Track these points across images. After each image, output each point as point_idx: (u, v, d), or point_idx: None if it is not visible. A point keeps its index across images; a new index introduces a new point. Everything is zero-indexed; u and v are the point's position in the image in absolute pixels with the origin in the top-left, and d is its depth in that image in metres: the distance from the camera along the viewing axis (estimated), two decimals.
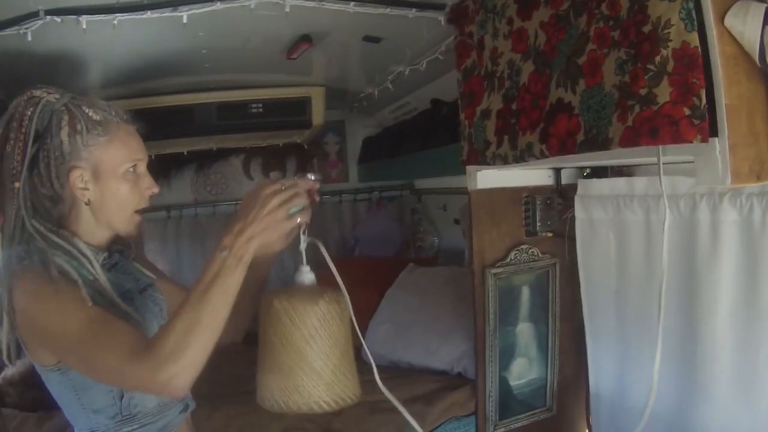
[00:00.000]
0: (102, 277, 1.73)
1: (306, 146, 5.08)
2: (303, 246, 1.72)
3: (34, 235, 1.69)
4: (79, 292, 1.62)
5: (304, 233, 1.71)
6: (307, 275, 1.75)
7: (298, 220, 1.62)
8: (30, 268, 1.65)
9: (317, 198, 1.73)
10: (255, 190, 1.62)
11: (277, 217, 1.58)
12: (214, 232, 5.02)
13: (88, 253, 1.75)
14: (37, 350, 1.70)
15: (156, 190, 1.85)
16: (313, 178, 1.70)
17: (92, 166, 1.73)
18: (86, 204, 1.76)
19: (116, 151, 1.76)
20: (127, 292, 1.84)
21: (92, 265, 1.74)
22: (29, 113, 1.68)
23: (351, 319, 1.78)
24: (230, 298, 1.56)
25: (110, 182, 1.76)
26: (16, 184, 1.67)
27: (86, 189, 1.74)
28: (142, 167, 1.83)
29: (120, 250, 1.96)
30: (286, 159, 5.20)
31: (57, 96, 1.72)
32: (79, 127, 1.71)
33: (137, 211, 1.83)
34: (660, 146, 1.55)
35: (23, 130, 1.68)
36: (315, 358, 1.66)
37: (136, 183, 1.80)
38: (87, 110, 1.73)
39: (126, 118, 1.84)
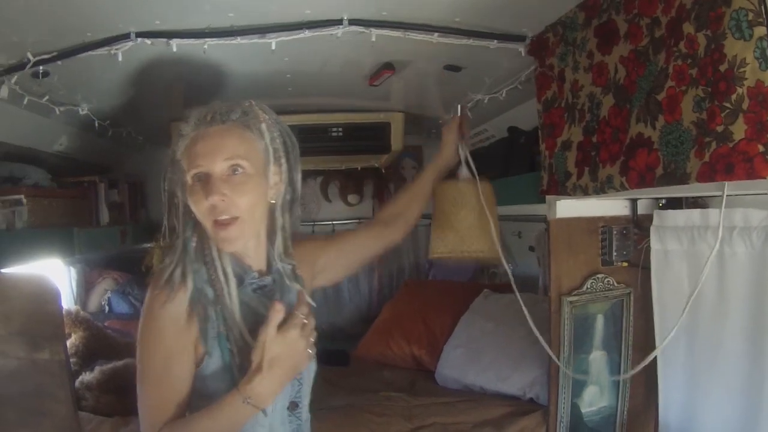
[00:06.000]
0: (236, 306, 1.67)
1: (383, 170, 5.15)
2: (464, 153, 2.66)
3: (185, 247, 1.70)
4: (185, 331, 1.62)
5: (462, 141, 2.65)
6: (465, 172, 2.64)
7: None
8: (161, 273, 1.66)
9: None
10: (279, 334, 1.59)
11: (299, 355, 1.62)
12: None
13: (228, 269, 1.71)
14: None
15: (206, 202, 1.65)
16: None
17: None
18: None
19: (184, 160, 1.69)
20: (258, 323, 1.68)
21: (229, 293, 1.68)
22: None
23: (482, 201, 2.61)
24: None
25: (187, 192, 1.69)
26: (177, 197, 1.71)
27: None
28: (209, 174, 1.66)
29: (282, 271, 1.84)
30: (363, 183, 5.29)
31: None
32: (175, 142, 1.71)
33: (217, 222, 1.66)
34: (725, 183, 1.57)
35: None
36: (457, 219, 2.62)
37: (199, 194, 1.65)
38: (182, 125, 1.71)
39: (210, 118, 1.70)
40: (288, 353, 1.59)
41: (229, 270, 1.70)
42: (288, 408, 1.79)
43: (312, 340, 1.66)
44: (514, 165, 3.59)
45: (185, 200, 1.69)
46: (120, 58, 2.42)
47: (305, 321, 1.63)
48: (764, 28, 1.47)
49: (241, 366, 1.61)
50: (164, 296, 1.61)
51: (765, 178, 1.45)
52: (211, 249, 1.70)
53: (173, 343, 1.61)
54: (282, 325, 1.59)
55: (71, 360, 3.37)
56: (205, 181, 1.65)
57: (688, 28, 1.68)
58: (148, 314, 1.62)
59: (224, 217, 1.65)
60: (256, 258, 1.80)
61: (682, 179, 1.71)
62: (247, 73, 2.94)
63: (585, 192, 2.28)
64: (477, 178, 2.59)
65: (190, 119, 1.70)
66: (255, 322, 1.64)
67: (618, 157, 2.03)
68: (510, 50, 2.67)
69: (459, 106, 2.48)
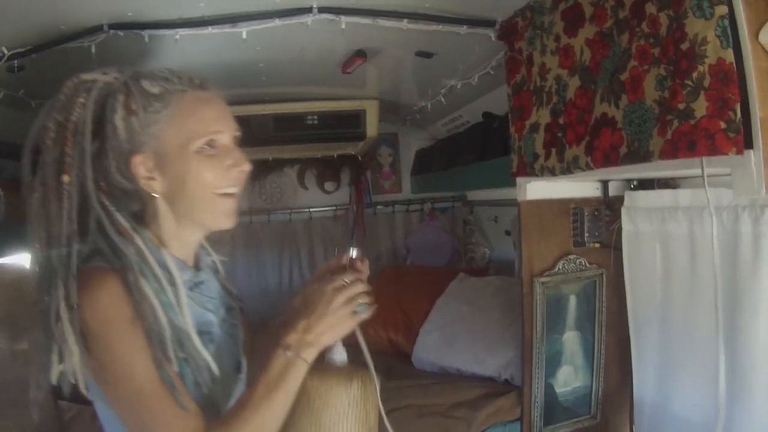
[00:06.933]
0: (185, 308, 1.47)
1: (360, 158, 5.18)
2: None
3: (113, 236, 1.42)
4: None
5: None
6: (340, 355, 1.66)
7: (363, 316, 1.55)
8: (104, 267, 1.38)
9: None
10: (318, 285, 1.55)
11: (345, 314, 1.52)
12: (269, 240, 5.23)
13: (174, 270, 1.50)
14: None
15: (246, 167, 1.55)
16: (354, 254, 1.63)
17: (156, 150, 1.47)
18: (154, 196, 1.49)
19: (182, 126, 1.48)
20: (207, 325, 1.57)
21: (176, 290, 1.48)
22: (81, 100, 1.44)
23: (378, 402, 1.68)
24: (292, 400, 1.47)
25: (182, 164, 1.48)
26: (65, 178, 1.41)
27: (152, 178, 1.48)
28: (225, 140, 1.53)
29: (211, 263, 1.73)
30: (340, 170, 5.30)
31: (116, 75, 1.48)
32: (134, 106, 1.44)
33: (225, 194, 1.53)
34: (702, 159, 1.60)
35: (73, 118, 1.43)
36: None
37: (216, 161, 1.50)
38: (145, 84, 1.46)
39: (199, 82, 1.54)
40: (335, 318, 1.51)
41: (174, 267, 1.51)
42: (235, 369, 1.66)
43: (361, 302, 1.55)
44: (490, 150, 3.62)
45: (177, 175, 1.48)
46: (93, 50, 2.42)
47: (349, 283, 1.55)
48: (725, 6, 1.49)
49: (199, 373, 1.46)
50: (115, 297, 1.36)
51: (727, 154, 1.48)
52: (146, 241, 1.48)
53: (139, 332, 1.37)
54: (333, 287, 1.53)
55: None
56: (222, 147, 1.52)
57: (650, 8, 1.70)
58: (102, 314, 1.35)
59: (234, 189, 1.55)
60: (189, 251, 1.63)
61: (646, 157, 1.74)
62: (221, 63, 2.94)
63: (552, 173, 2.30)
64: (372, 370, 1.68)
65: (156, 80, 1.49)
66: (196, 324, 1.49)
67: (583, 138, 2.06)
68: (481, 36, 2.69)
69: (352, 249, 1.66)
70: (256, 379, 1.46)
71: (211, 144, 1.49)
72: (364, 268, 1.63)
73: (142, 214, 1.53)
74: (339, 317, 1.51)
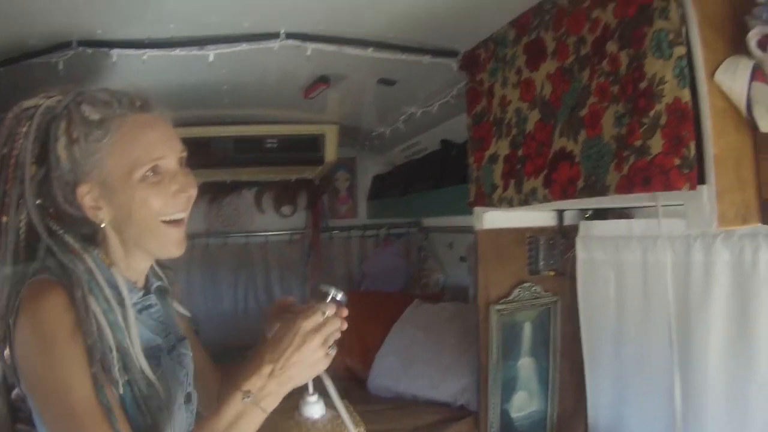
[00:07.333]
0: (133, 329, 1.39)
1: (317, 182, 5.20)
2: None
3: (61, 256, 1.35)
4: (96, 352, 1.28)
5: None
6: (315, 407, 1.51)
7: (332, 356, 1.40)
8: (50, 280, 1.32)
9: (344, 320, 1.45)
10: (290, 322, 1.39)
11: (319, 357, 1.37)
12: (225, 262, 5.18)
13: (124, 290, 1.42)
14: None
15: (192, 191, 1.48)
16: (339, 297, 1.45)
17: (100, 179, 1.39)
18: (101, 226, 1.42)
19: (124, 153, 1.40)
20: (155, 350, 1.49)
21: (125, 310, 1.40)
22: (23, 129, 1.38)
23: None
24: None
25: (127, 194, 1.40)
26: (3, 219, 1.36)
27: (98, 208, 1.41)
28: (170, 164, 1.45)
29: (161, 288, 1.63)
30: (297, 194, 5.29)
31: (59, 98, 1.41)
32: (75, 134, 1.37)
33: (172, 221, 1.46)
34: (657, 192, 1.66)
35: (14, 152, 1.37)
36: None
37: (161, 188, 1.43)
38: (85, 110, 1.39)
39: (140, 104, 1.46)
40: (308, 361, 1.37)
41: (123, 287, 1.43)
42: (184, 400, 1.56)
43: (330, 343, 1.40)
44: (446, 177, 3.66)
45: (120, 199, 1.41)
46: (61, 67, 2.41)
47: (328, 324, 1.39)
48: (683, 47, 1.56)
49: (144, 398, 1.37)
50: (63, 302, 1.29)
51: (680, 189, 1.54)
52: (96, 260, 1.42)
53: (80, 349, 1.28)
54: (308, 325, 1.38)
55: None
56: (167, 172, 1.44)
57: (611, 47, 1.76)
58: (42, 325, 1.28)
59: (182, 215, 1.47)
60: (139, 275, 1.56)
61: (602, 191, 1.79)
62: (185, 84, 2.94)
63: (510, 204, 2.35)
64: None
65: (97, 105, 1.41)
66: (144, 348, 1.41)
67: (542, 170, 2.10)
68: (443, 65, 2.73)
69: (332, 290, 1.47)
70: (204, 421, 1.34)
71: (155, 170, 1.42)
72: (343, 312, 1.45)
73: (93, 236, 1.45)
74: (313, 361, 1.37)
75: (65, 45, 2.36)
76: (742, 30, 1.48)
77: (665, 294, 2.12)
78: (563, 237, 2.92)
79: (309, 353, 1.35)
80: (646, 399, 2.49)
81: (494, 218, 2.79)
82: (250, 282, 5.26)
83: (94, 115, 1.38)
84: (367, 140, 4.75)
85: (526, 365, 2.94)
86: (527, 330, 2.93)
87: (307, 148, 4.18)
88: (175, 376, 1.53)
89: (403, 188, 4.51)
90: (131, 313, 1.40)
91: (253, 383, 1.32)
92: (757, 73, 1.43)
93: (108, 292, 1.37)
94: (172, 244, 1.48)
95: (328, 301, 1.43)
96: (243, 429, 1.31)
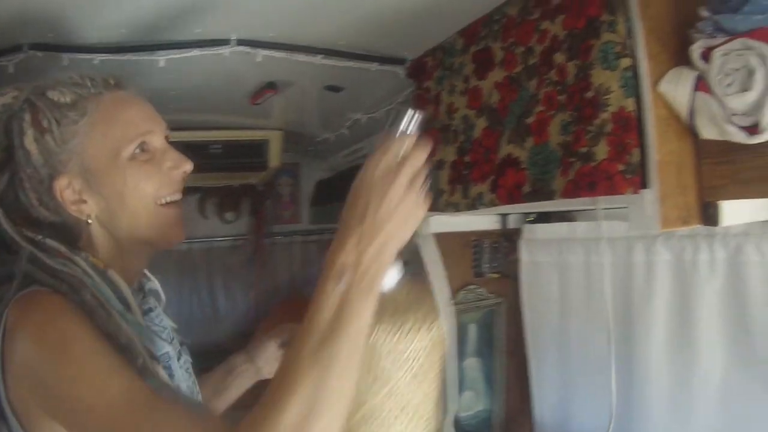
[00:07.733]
0: (143, 332, 1.25)
1: (260, 188, 5.19)
2: None
3: (49, 262, 1.20)
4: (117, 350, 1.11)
5: None
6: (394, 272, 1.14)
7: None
8: (42, 290, 1.16)
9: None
10: (365, 174, 1.13)
11: (411, 202, 1.09)
12: (168, 269, 5.06)
13: (127, 292, 1.27)
14: (20, 406, 1.13)
15: (187, 167, 1.40)
16: (415, 119, 1.19)
17: (81, 167, 1.27)
18: (88, 222, 1.29)
19: (107, 133, 1.29)
20: (165, 357, 1.34)
21: (133, 315, 1.24)
22: None
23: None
24: (363, 340, 1.05)
25: (116, 177, 1.28)
26: None
27: (82, 201, 1.29)
28: (157, 141, 1.36)
29: (154, 289, 1.53)
30: (241, 200, 5.27)
31: (14, 94, 1.30)
32: (45, 122, 1.25)
33: (169, 203, 1.36)
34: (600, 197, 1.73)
35: None
36: (421, 402, 1.14)
37: (154, 166, 1.33)
38: (52, 95, 1.28)
39: (114, 82, 1.36)
40: (401, 210, 1.08)
41: (124, 288, 1.29)
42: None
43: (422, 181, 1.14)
44: None
45: (108, 182, 1.30)
46: (11, 70, 2.38)
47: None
48: (629, 59, 1.62)
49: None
50: (66, 313, 1.13)
51: (624, 193, 1.61)
52: (88, 262, 1.26)
53: (115, 354, 1.11)
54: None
55: None
56: (156, 148, 1.35)
57: (559, 57, 1.83)
58: (62, 338, 1.09)
59: (178, 196, 1.38)
60: (132, 278, 1.41)
61: (548, 196, 1.85)
62: (135, 89, 2.90)
63: (457, 209, 2.39)
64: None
65: (66, 87, 1.30)
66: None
67: (489, 176, 2.15)
68: (390, 72, 2.77)
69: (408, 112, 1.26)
70: (301, 328, 1.07)
71: (143, 147, 1.32)
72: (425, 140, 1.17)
73: (75, 242, 1.31)
74: (407, 208, 1.08)
75: (16, 48, 2.33)
76: (686, 43, 1.54)
77: (606, 294, 2.19)
78: (507, 240, 2.99)
79: (399, 199, 1.08)
80: (591, 397, 2.57)
81: (439, 222, 2.80)
82: (194, 289, 5.21)
83: (65, 98, 1.28)
84: (311, 146, 4.74)
85: (471, 365, 3.00)
86: (472, 331, 2.99)
87: (252, 154, 4.18)
88: (186, 385, 1.42)
89: (346, 193, 4.49)
90: (139, 314, 1.28)
91: (347, 257, 1.06)
92: (699, 84, 1.50)
93: (109, 293, 1.24)
94: (172, 228, 1.38)
95: (401, 128, 1.16)
96: (355, 313, 1.04)
